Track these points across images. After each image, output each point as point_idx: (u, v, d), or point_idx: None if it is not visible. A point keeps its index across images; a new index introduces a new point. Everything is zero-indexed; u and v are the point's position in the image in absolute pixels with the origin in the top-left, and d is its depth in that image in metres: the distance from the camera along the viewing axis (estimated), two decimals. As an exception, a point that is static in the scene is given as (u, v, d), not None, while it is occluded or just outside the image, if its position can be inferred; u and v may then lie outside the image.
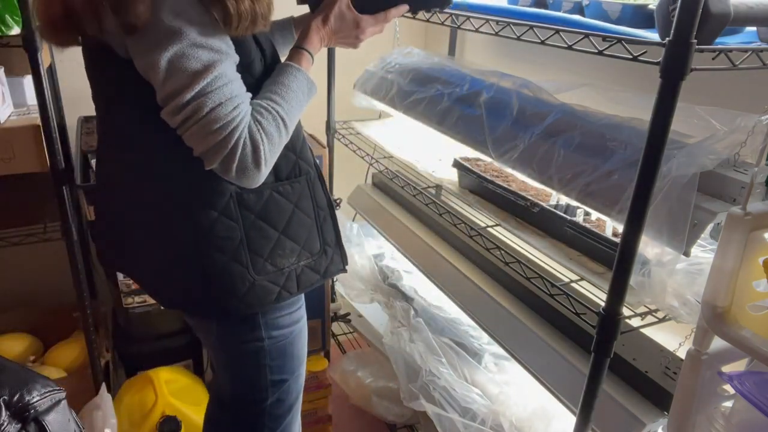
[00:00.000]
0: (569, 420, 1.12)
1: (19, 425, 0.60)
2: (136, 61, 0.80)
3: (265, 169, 0.84)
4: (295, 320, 1.05)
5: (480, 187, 1.31)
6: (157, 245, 0.95)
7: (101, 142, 1.01)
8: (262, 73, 0.91)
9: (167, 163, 0.89)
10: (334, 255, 1.05)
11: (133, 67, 0.81)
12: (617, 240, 0.82)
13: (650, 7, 0.89)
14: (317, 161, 1.06)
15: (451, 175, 1.40)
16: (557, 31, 0.90)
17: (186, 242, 0.91)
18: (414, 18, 1.31)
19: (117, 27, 0.76)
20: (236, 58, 0.83)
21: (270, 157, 0.84)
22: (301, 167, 0.99)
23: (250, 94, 0.85)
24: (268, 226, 0.94)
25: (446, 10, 1.18)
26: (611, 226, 1.09)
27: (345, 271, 1.09)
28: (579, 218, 1.12)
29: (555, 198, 1.20)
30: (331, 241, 1.04)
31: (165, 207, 0.91)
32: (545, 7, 1.10)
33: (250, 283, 0.92)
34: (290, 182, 0.97)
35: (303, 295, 1.08)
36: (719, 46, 0.74)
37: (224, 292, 0.92)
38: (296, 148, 0.98)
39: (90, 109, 0.98)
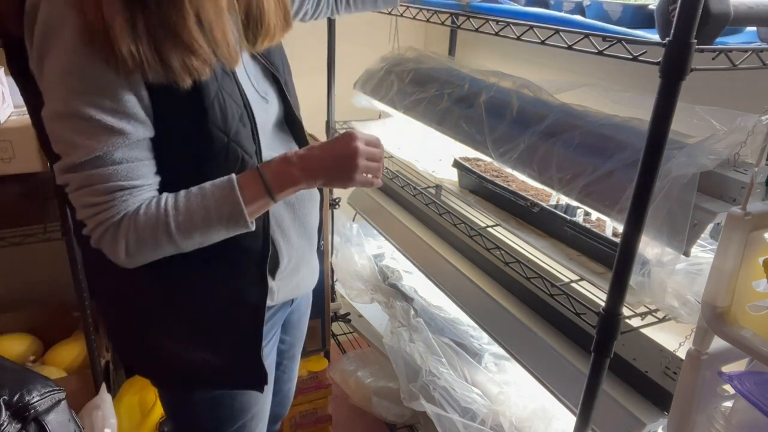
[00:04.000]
0: (569, 420, 1.12)
1: (19, 425, 0.60)
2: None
3: (126, 260, 0.77)
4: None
5: (480, 187, 1.31)
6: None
7: None
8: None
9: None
10: (244, 366, 0.93)
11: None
12: (617, 240, 0.82)
13: (650, 7, 0.89)
14: (272, 245, 0.89)
15: (451, 175, 1.40)
16: (557, 31, 0.90)
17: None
18: (414, 18, 1.31)
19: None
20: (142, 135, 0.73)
21: (135, 253, 0.76)
22: (228, 251, 0.84)
23: (152, 181, 0.77)
24: (174, 308, 0.88)
25: (446, 10, 1.18)
26: (611, 226, 1.09)
27: (261, 390, 0.97)
28: (579, 218, 1.12)
29: (555, 198, 1.20)
30: (244, 347, 0.92)
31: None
32: (546, 6, 1.10)
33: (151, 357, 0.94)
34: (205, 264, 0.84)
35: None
36: (719, 46, 0.74)
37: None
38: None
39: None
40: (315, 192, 1.00)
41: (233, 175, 0.78)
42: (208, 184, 0.78)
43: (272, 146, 0.91)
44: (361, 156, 0.81)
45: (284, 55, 0.97)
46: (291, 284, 0.97)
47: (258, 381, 0.95)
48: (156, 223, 0.75)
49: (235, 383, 0.96)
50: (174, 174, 0.79)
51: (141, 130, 0.73)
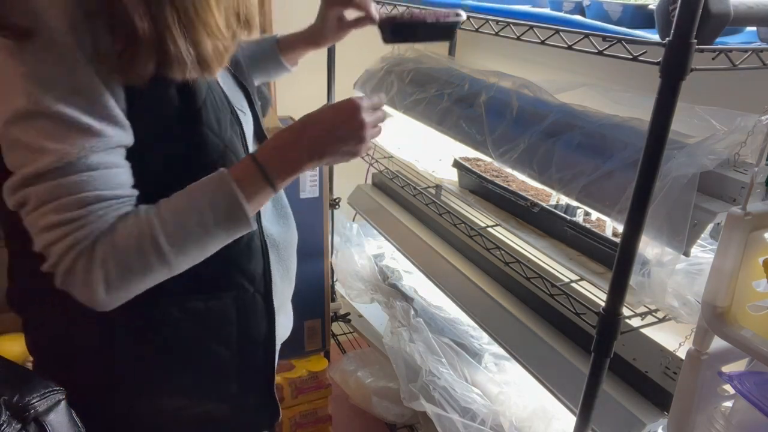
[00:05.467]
0: (569, 420, 1.12)
1: (19, 425, 0.60)
2: None
3: (107, 297, 0.62)
4: None
5: (480, 187, 1.31)
6: None
7: None
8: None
9: None
10: (257, 407, 0.85)
11: None
12: (617, 240, 0.82)
13: (650, 7, 0.89)
14: (271, 273, 0.82)
15: (451, 175, 1.40)
16: (557, 31, 0.90)
17: None
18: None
19: None
20: (121, 141, 0.63)
21: (118, 285, 0.62)
22: (231, 279, 0.77)
23: (131, 193, 0.65)
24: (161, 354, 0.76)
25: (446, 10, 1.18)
26: (611, 226, 1.09)
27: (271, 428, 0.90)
28: (579, 218, 1.12)
29: (555, 198, 1.20)
30: (255, 387, 0.84)
31: None
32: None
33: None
34: (206, 297, 0.75)
35: None
36: (719, 46, 0.74)
37: None
38: (231, 256, 0.74)
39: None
40: (295, 236, 0.94)
41: (222, 169, 0.67)
42: (193, 185, 0.66)
43: None
44: (368, 129, 0.71)
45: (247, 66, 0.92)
46: None
47: (271, 417, 0.88)
48: (140, 238, 0.61)
49: (248, 427, 0.88)
50: (167, 190, 0.67)
51: (120, 135, 0.63)
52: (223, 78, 0.80)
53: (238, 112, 0.79)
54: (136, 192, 0.66)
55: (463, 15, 0.92)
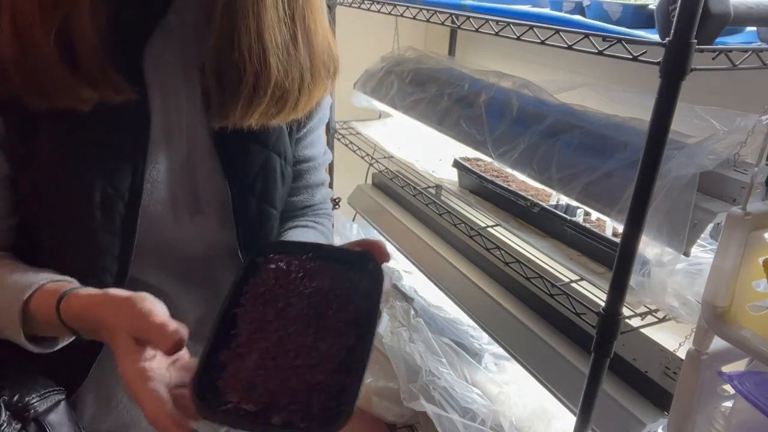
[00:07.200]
0: (569, 420, 1.12)
1: (19, 425, 0.60)
2: None
3: None
4: None
5: (480, 187, 1.31)
6: None
7: None
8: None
9: None
10: None
11: None
12: (617, 240, 0.82)
13: (650, 7, 0.89)
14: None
15: (451, 175, 1.40)
16: (557, 31, 0.90)
17: None
18: (414, 18, 1.31)
19: None
20: None
21: None
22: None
23: None
24: None
25: (446, 10, 1.18)
26: (611, 226, 1.09)
27: None
28: (579, 218, 1.12)
29: (555, 198, 1.20)
30: None
31: None
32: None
33: None
34: None
35: None
36: (719, 46, 0.74)
37: None
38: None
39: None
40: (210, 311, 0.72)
41: (39, 282, 0.56)
42: (18, 275, 0.58)
43: (187, 279, 0.68)
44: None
45: (272, 171, 0.69)
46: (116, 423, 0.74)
47: None
48: None
49: None
50: (38, 228, 0.61)
51: None
52: (201, 151, 0.65)
53: (185, 203, 0.64)
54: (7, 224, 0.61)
55: None
